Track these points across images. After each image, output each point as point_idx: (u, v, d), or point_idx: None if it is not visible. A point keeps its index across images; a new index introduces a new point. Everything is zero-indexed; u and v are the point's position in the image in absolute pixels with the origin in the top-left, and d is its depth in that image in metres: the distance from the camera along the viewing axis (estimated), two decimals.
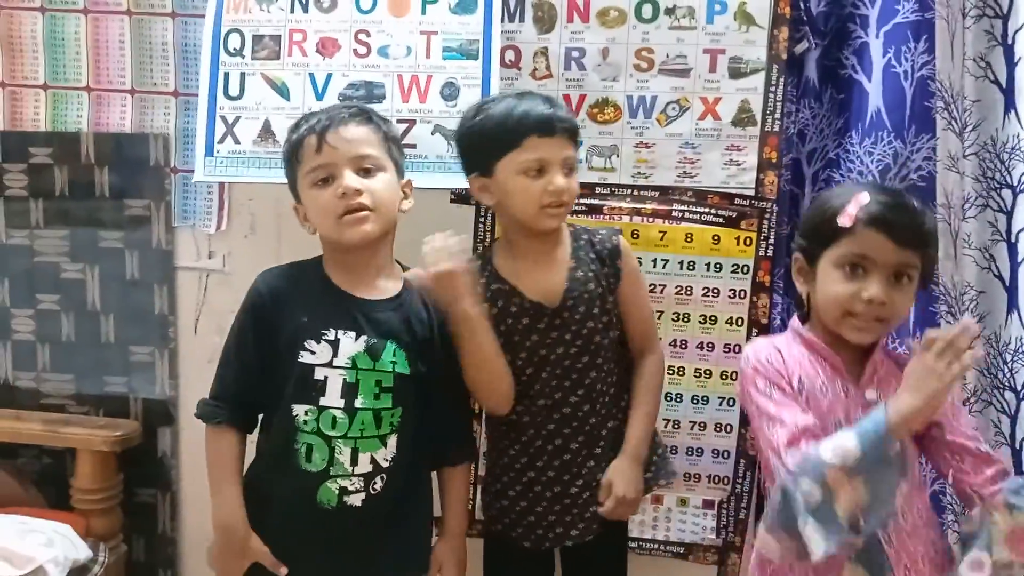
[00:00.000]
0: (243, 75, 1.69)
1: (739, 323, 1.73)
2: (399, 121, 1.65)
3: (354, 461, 1.37)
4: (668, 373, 1.70)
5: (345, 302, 1.40)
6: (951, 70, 1.61)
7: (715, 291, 1.72)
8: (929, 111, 1.60)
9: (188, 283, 1.94)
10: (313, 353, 1.37)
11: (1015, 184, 1.61)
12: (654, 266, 1.72)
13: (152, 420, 1.95)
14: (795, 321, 1.37)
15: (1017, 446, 1.58)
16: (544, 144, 1.42)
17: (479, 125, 1.47)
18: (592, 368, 1.49)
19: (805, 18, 1.65)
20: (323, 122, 1.39)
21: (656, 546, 1.82)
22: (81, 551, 1.73)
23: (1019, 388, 1.59)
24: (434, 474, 1.53)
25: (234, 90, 1.69)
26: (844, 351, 1.30)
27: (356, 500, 1.38)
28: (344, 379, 1.37)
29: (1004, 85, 1.63)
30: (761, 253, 1.71)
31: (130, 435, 1.88)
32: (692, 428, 1.77)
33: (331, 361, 1.37)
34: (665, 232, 1.72)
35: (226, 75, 1.69)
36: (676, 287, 1.73)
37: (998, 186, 1.64)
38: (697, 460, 1.78)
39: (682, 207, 1.71)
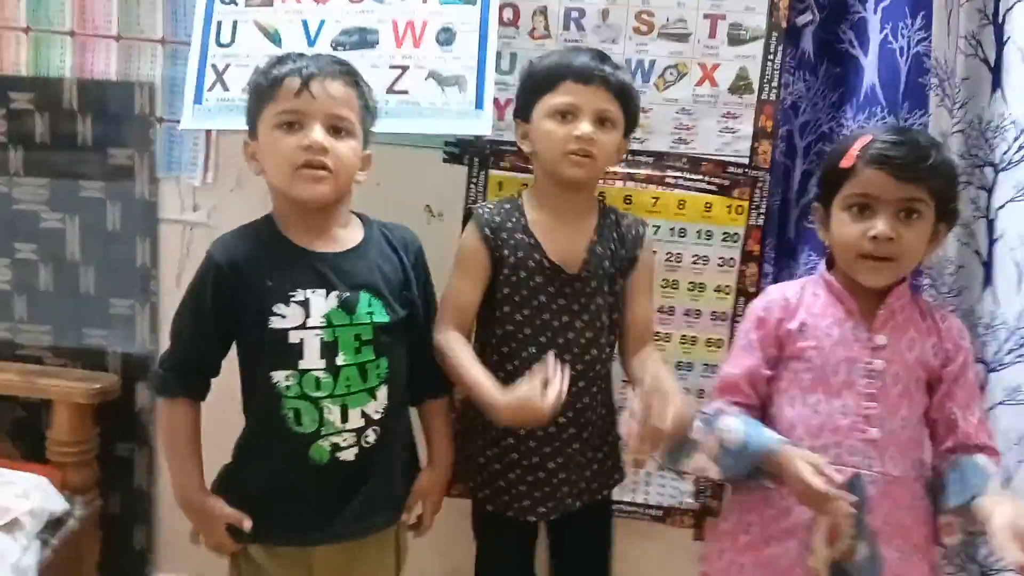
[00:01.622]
0: (235, 23, 1.66)
1: (727, 291, 1.74)
2: (392, 67, 1.63)
3: (344, 418, 1.35)
4: (654, 339, 1.71)
5: (308, 259, 1.35)
6: (946, 48, 1.63)
7: (704, 258, 1.73)
8: (923, 88, 1.62)
9: (171, 236, 1.90)
10: (284, 317, 1.32)
11: (997, 162, 1.64)
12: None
13: (131, 374, 1.91)
14: (822, 265, 1.41)
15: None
16: (578, 91, 1.41)
17: (528, 71, 1.50)
18: (594, 346, 1.47)
19: None
20: (311, 68, 1.32)
21: (636, 509, 1.84)
22: (57, 503, 1.70)
23: (989, 360, 1.63)
24: None
25: (226, 38, 1.66)
26: (863, 296, 1.33)
27: (349, 455, 1.36)
28: (321, 339, 1.33)
29: (992, 64, 1.66)
30: (752, 222, 1.72)
31: (108, 388, 1.85)
32: None
33: (304, 323, 1.32)
34: (658, 198, 1.72)
35: (219, 23, 1.66)
36: (666, 254, 1.74)
37: (981, 163, 1.67)
38: None
39: (676, 173, 1.72)
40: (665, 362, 1.52)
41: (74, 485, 1.79)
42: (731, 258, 1.73)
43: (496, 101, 1.68)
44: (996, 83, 1.65)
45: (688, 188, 1.72)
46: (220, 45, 1.65)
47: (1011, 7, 1.61)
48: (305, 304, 1.33)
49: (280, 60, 1.36)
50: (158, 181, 1.88)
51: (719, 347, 1.75)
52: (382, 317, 1.37)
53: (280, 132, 1.31)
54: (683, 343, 1.76)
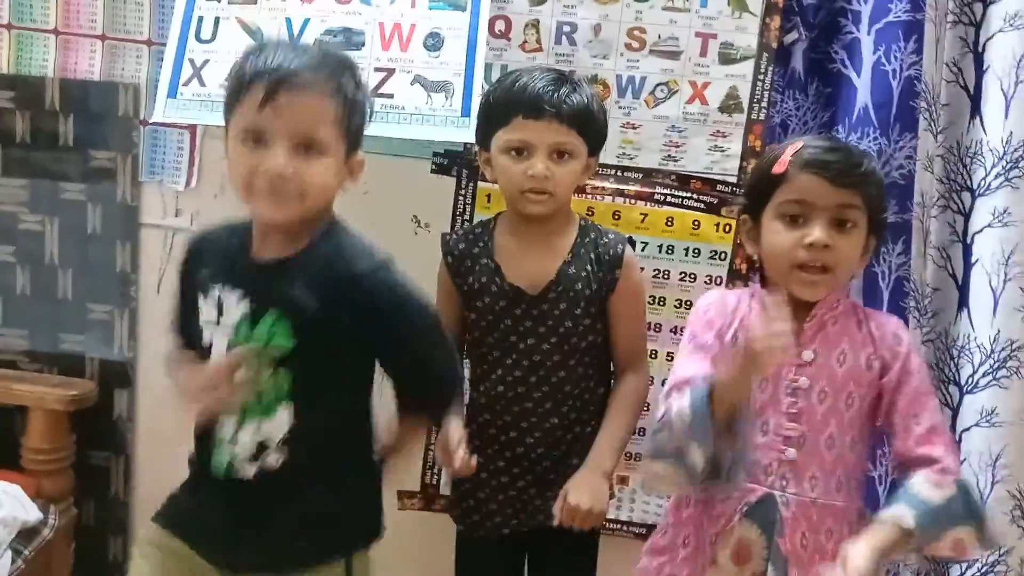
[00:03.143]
0: (217, 19, 1.64)
1: None
2: (377, 70, 1.61)
3: (236, 430, 1.22)
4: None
5: (243, 258, 1.22)
6: (933, 72, 1.66)
7: (692, 276, 1.74)
8: (913, 111, 1.64)
9: (153, 241, 1.87)
10: (202, 311, 1.23)
11: (974, 187, 1.68)
12: (633, 249, 1.73)
13: (108, 381, 1.88)
14: (757, 280, 1.36)
15: (958, 438, 1.65)
16: (529, 127, 1.37)
17: (487, 96, 1.46)
18: (562, 368, 1.45)
19: (797, 8, 1.68)
20: (280, 74, 1.13)
21: (619, 527, 1.83)
22: (31, 512, 1.67)
23: (963, 383, 1.66)
24: None
25: (206, 34, 1.64)
26: (795, 311, 1.23)
27: (248, 472, 1.21)
28: (228, 343, 1.20)
29: (972, 91, 1.69)
30: (740, 241, 1.73)
31: (85, 395, 1.81)
32: None
33: (217, 320, 1.21)
34: (647, 215, 1.73)
35: (200, 18, 1.64)
36: (654, 271, 1.75)
37: (959, 188, 1.71)
38: None
39: (665, 190, 1.73)
40: (640, 392, 1.50)
41: (49, 494, 1.75)
42: (718, 276, 1.75)
43: None
44: (975, 110, 1.68)
45: (676, 205, 1.73)
46: (200, 41, 1.64)
47: (991, 36, 1.65)
48: (219, 304, 1.21)
49: (257, 51, 1.19)
50: (140, 185, 1.85)
51: None
52: (284, 341, 1.18)
53: (242, 145, 1.16)
54: (669, 360, 1.76)
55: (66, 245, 1.86)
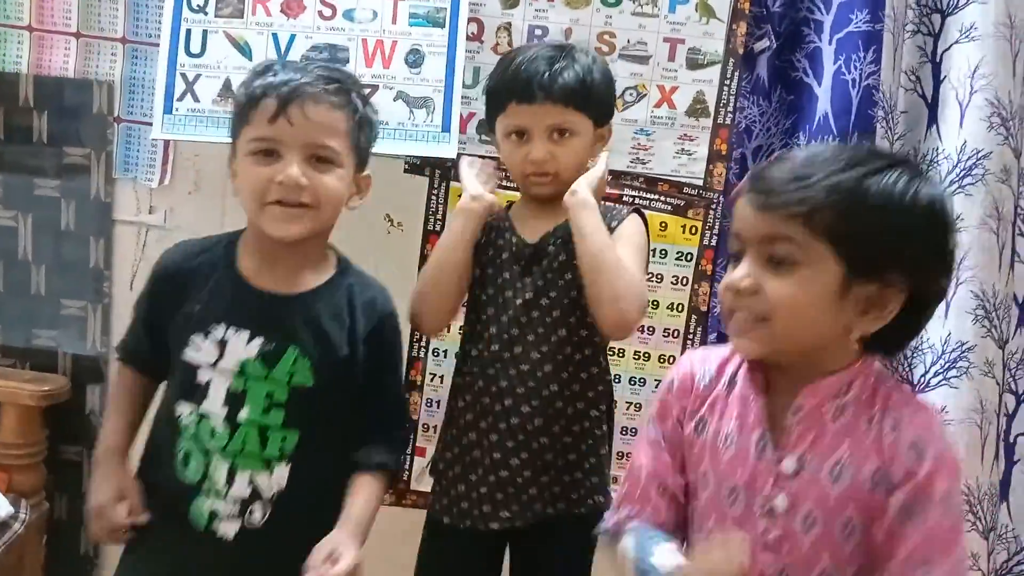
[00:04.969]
0: (205, 32, 1.66)
1: (680, 309, 1.79)
2: None
3: (229, 480, 1.18)
4: (608, 354, 1.60)
5: (245, 293, 1.20)
6: (891, 81, 1.71)
7: (659, 276, 1.78)
8: (871, 119, 1.69)
9: (126, 237, 1.88)
10: (198, 351, 1.18)
11: None
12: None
13: (81, 376, 1.88)
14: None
15: None
16: (524, 112, 1.33)
17: (488, 82, 1.44)
18: (563, 325, 1.35)
19: (766, 16, 1.72)
20: (291, 88, 1.14)
21: None
22: (2, 507, 1.67)
23: (915, 382, 1.70)
24: None
25: (195, 47, 1.66)
26: (784, 389, 0.94)
27: (228, 530, 1.18)
28: (229, 386, 1.18)
29: (929, 100, 1.74)
30: (705, 242, 1.77)
31: (57, 390, 1.82)
32: (628, 408, 1.82)
33: (215, 363, 1.18)
34: None
35: (187, 32, 1.66)
36: None
37: None
38: (631, 439, 1.84)
39: (633, 192, 1.76)
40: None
41: (21, 488, 1.75)
42: (684, 277, 1.79)
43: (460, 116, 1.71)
44: (932, 118, 1.73)
45: (644, 207, 1.75)
46: (190, 54, 1.66)
47: (948, 47, 1.70)
48: (222, 343, 1.18)
49: (262, 70, 1.20)
50: (114, 181, 1.86)
51: (671, 363, 1.80)
52: (305, 380, 1.19)
53: (253, 160, 1.16)
54: (636, 359, 1.81)
55: (39, 241, 1.86)
